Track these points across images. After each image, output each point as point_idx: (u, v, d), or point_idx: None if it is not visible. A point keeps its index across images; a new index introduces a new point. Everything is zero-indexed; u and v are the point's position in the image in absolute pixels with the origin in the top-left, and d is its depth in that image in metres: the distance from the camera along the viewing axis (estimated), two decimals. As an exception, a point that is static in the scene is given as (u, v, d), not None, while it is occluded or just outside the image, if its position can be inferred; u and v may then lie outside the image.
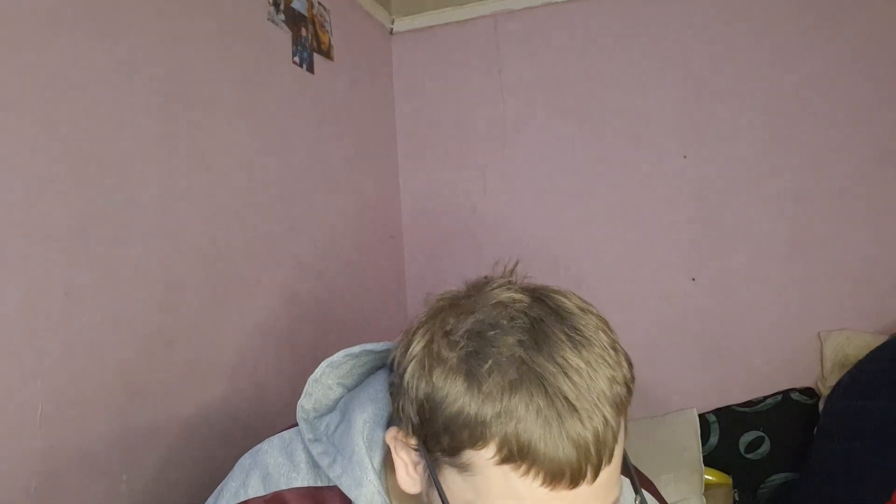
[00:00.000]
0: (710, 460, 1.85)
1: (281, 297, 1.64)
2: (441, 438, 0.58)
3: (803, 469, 1.76)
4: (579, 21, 2.19)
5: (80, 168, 1.14)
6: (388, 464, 0.70)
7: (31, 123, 1.07)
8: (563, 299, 0.61)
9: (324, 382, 0.75)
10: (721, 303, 2.05)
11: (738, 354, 2.03)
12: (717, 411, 1.98)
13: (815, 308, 1.97)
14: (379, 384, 0.73)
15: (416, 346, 0.61)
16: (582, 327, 0.59)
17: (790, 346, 1.99)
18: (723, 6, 2.08)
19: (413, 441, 0.62)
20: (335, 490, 0.70)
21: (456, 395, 0.57)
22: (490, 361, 0.56)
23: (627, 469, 0.64)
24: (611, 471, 0.58)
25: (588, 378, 0.56)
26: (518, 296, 0.61)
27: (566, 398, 0.55)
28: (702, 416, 1.93)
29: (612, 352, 0.59)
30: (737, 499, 1.84)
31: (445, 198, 2.31)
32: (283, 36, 1.73)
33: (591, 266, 2.15)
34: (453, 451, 0.58)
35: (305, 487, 0.72)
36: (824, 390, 1.87)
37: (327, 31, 1.92)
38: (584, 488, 0.56)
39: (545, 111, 2.22)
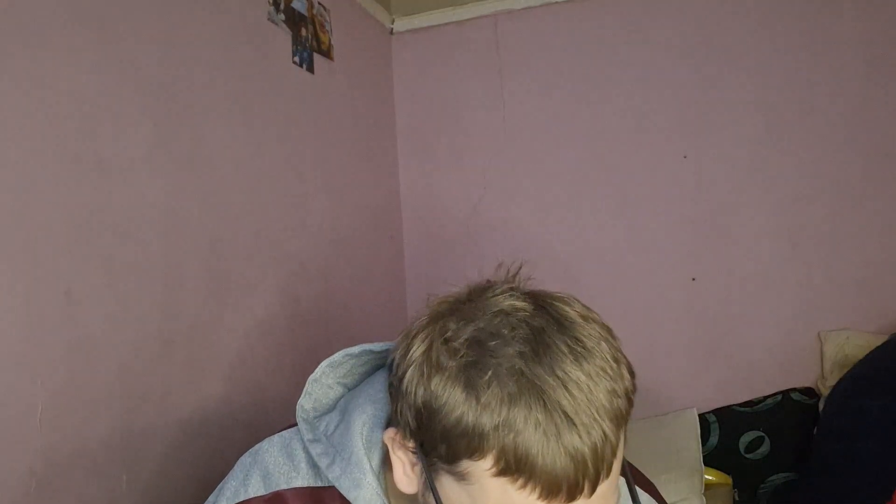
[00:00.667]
0: (710, 460, 1.85)
1: (281, 297, 1.64)
2: (438, 446, 0.58)
3: (803, 469, 1.76)
4: (579, 21, 2.19)
5: (80, 168, 1.14)
6: (386, 465, 0.69)
7: (31, 123, 1.07)
8: (566, 307, 0.60)
9: (323, 382, 0.75)
10: (721, 303, 2.05)
11: (738, 354, 2.03)
12: (717, 411, 1.98)
13: (815, 308, 1.98)
14: (378, 384, 0.73)
15: (416, 351, 0.60)
16: (584, 338, 0.58)
17: (790, 346, 1.99)
18: (723, 6, 2.08)
19: (411, 444, 0.62)
20: (335, 491, 0.70)
21: (454, 404, 0.56)
22: (490, 372, 0.56)
23: (623, 470, 0.64)
24: (608, 484, 0.57)
25: (588, 391, 0.55)
26: (520, 304, 0.60)
27: (565, 412, 0.54)
28: (702, 416, 1.93)
29: (613, 363, 0.58)
30: (737, 499, 1.84)
31: (445, 198, 2.31)
32: (283, 36, 1.73)
33: (591, 266, 2.15)
34: (451, 458, 0.58)
35: (305, 487, 0.72)
36: (824, 390, 1.87)
37: (327, 31, 1.92)
38: (581, 502, 0.56)
39: (545, 111, 2.22)
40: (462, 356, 0.57)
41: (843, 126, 1.97)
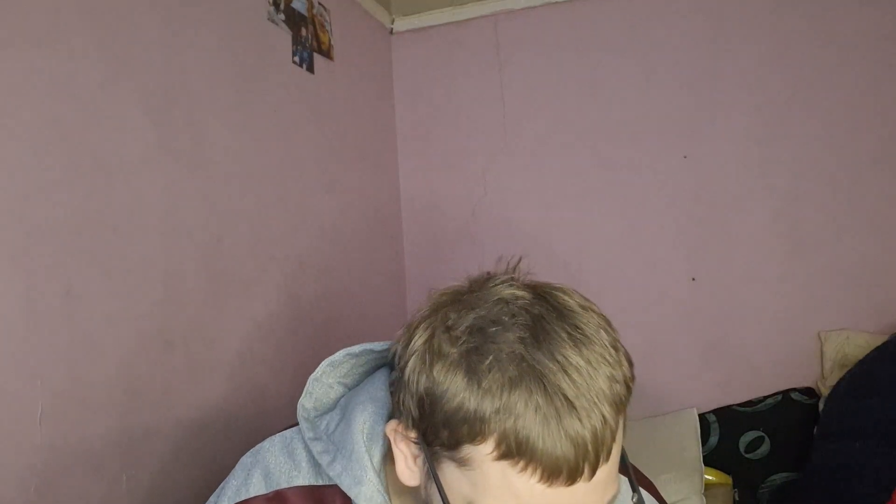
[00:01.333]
0: (710, 460, 1.85)
1: (281, 296, 1.64)
2: (440, 432, 0.59)
3: (803, 469, 1.76)
4: (579, 21, 2.19)
5: (80, 168, 1.14)
6: (387, 461, 0.70)
7: (31, 123, 1.07)
8: (565, 297, 0.61)
9: (324, 381, 0.76)
10: (721, 303, 2.06)
11: (738, 354, 2.03)
12: (717, 411, 1.98)
13: (815, 308, 1.98)
14: (379, 383, 0.73)
15: (418, 341, 0.61)
16: (583, 325, 0.59)
17: (790, 346, 1.99)
18: (723, 7, 2.08)
19: (413, 434, 0.62)
20: (336, 488, 0.70)
21: (456, 390, 0.57)
22: (490, 358, 0.56)
23: (625, 467, 0.64)
24: (608, 469, 0.58)
25: (588, 376, 0.56)
26: (520, 292, 0.61)
27: (565, 396, 0.55)
28: (702, 416, 1.94)
29: (612, 350, 0.59)
30: (737, 499, 1.84)
31: (445, 198, 2.31)
32: (283, 36, 1.73)
33: (591, 266, 2.15)
34: (452, 445, 0.58)
35: (307, 486, 0.72)
36: (824, 390, 1.87)
37: (327, 31, 1.92)
38: (581, 485, 0.56)
39: (545, 111, 2.22)
40: (463, 343, 0.58)
41: (843, 126, 1.97)
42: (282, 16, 1.72)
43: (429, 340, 0.60)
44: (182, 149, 1.37)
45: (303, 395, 0.74)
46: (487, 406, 0.55)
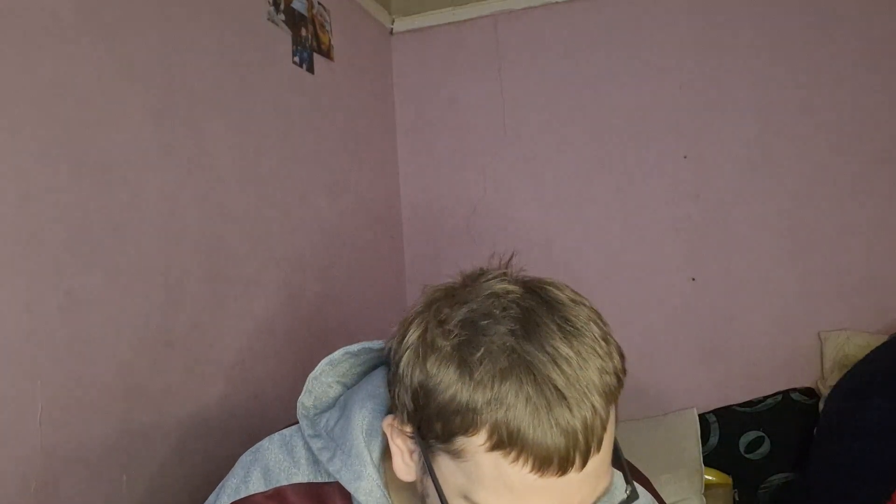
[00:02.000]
0: (710, 460, 1.85)
1: (281, 297, 1.64)
2: (434, 425, 0.59)
3: (803, 469, 1.76)
4: (579, 21, 2.19)
5: (80, 168, 1.15)
6: (386, 458, 0.70)
7: (31, 124, 1.07)
8: (556, 291, 0.62)
9: (323, 381, 0.76)
10: (721, 303, 2.05)
11: (738, 354, 2.03)
12: (717, 411, 1.98)
13: (815, 308, 1.98)
14: (378, 380, 0.73)
15: (412, 336, 0.62)
16: (573, 318, 0.59)
17: (790, 346, 1.99)
18: (723, 7, 2.08)
19: (408, 428, 0.63)
20: (335, 485, 0.71)
21: (449, 382, 0.58)
22: (482, 350, 0.57)
23: (619, 462, 0.64)
24: (600, 459, 0.58)
25: (578, 367, 0.57)
26: (511, 287, 0.62)
27: (555, 386, 0.56)
28: (702, 416, 1.93)
29: (602, 343, 0.59)
30: (737, 499, 1.84)
31: (445, 197, 2.31)
32: (283, 36, 1.73)
33: (591, 266, 2.15)
34: (446, 437, 0.59)
35: (306, 483, 0.73)
36: (824, 390, 1.87)
37: (327, 31, 1.92)
38: (572, 475, 0.57)
39: (545, 111, 2.22)
40: (455, 336, 0.59)
41: (842, 126, 1.97)
42: (282, 16, 1.72)
43: (422, 335, 0.61)
44: (182, 149, 1.37)
45: (302, 393, 0.75)
46: (479, 397, 0.56)
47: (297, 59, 1.78)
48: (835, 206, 1.97)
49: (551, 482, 0.56)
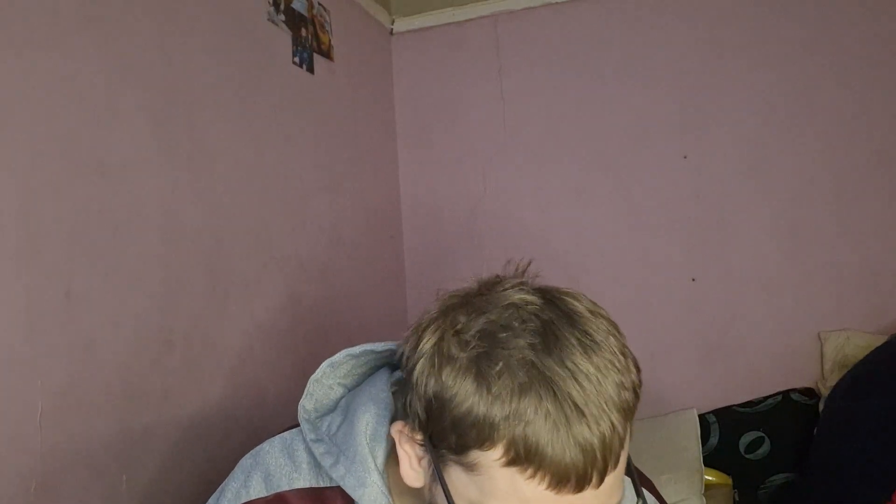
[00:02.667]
0: (710, 460, 1.84)
1: (281, 297, 1.64)
2: (448, 436, 0.59)
3: (803, 469, 1.76)
4: (579, 21, 2.19)
5: (80, 168, 1.14)
6: (389, 463, 0.70)
7: (31, 123, 1.07)
8: (575, 302, 0.61)
9: (324, 383, 0.75)
10: (721, 303, 2.05)
11: (738, 354, 2.03)
12: (717, 411, 1.98)
13: (815, 308, 1.97)
14: (380, 384, 0.73)
15: (427, 343, 0.61)
16: (593, 331, 0.59)
17: (790, 346, 1.99)
18: (723, 7, 2.08)
19: (419, 436, 0.62)
20: (337, 490, 0.70)
21: (465, 395, 0.57)
22: (501, 363, 0.56)
23: (629, 470, 0.64)
24: (616, 475, 0.58)
25: (597, 383, 0.56)
26: (530, 297, 0.61)
27: (575, 403, 0.55)
28: (702, 417, 1.93)
29: (621, 357, 0.59)
30: (737, 499, 1.84)
31: (445, 198, 2.31)
32: (283, 36, 1.73)
33: (591, 266, 2.15)
34: (460, 449, 0.58)
35: (307, 488, 0.72)
36: (824, 390, 1.87)
37: (327, 32, 1.92)
38: (588, 492, 0.56)
39: (545, 111, 2.22)
40: (473, 347, 0.58)
41: (843, 126, 1.97)
42: (282, 16, 1.72)
43: (438, 343, 0.60)
44: (182, 149, 1.37)
45: (303, 396, 0.74)
46: (497, 412, 0.55)
47: (297, 59, 1.77)
48: (834, 207, 1.97)
49: (567, 499, 0.56)
